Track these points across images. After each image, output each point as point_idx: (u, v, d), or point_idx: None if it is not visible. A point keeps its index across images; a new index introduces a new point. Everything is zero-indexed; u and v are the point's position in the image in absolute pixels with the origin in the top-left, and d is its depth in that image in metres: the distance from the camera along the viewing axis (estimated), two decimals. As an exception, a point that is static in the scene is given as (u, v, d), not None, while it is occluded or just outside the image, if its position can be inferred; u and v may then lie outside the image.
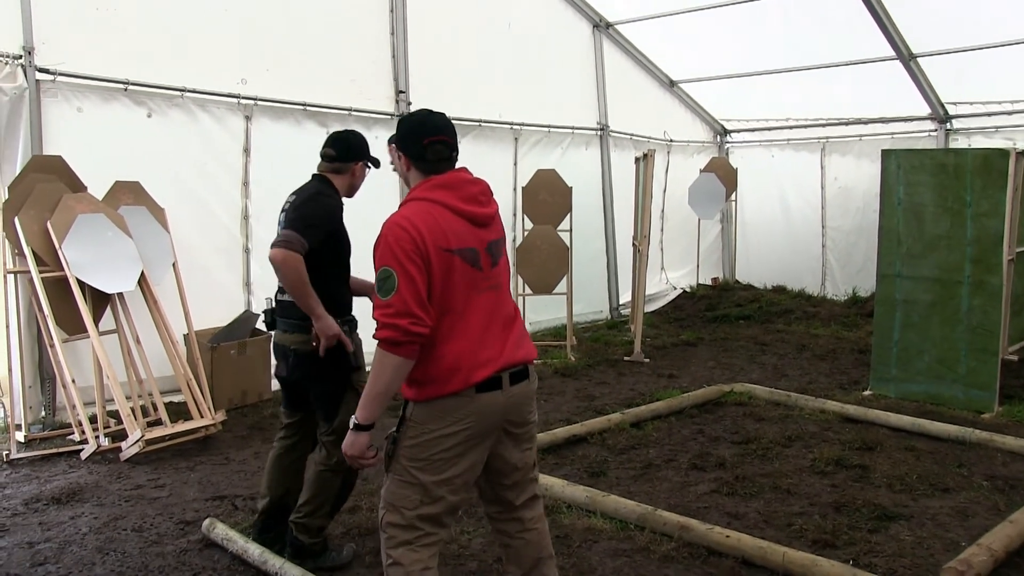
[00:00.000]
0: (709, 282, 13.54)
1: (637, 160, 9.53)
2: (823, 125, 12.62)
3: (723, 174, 12.26)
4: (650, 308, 11.97)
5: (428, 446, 3.06)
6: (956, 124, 11.47)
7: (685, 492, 5.39)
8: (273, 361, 4.49)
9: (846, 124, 12.39)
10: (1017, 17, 9.22)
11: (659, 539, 4.60)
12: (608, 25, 11.48)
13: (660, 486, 5.53)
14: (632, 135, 12.08)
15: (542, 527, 3.41)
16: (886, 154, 7.61)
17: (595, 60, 11.50)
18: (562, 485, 5.26)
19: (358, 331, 4.29)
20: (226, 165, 7.74)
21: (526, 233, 9.38)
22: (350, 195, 4.41)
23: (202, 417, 6.46)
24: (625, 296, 11.62)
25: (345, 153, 4.28)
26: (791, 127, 12.98)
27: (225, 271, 7.78)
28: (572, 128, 11.03)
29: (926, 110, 11.42)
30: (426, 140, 3.11)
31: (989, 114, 11.10)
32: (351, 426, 3.10)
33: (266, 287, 7.86)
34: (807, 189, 12.86)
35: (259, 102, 7.82)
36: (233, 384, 7.31)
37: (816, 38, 10.65)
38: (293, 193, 4.27)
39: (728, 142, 14.03)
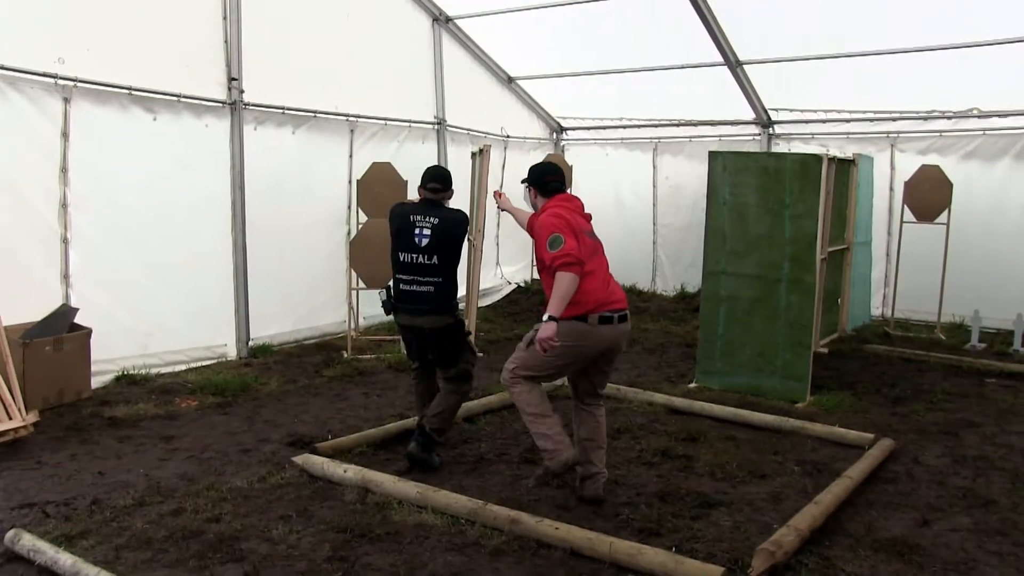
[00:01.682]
0: (544, 277, 13.68)
1: (473, 155, 9.51)
2: (655, 125, 13.01)
3: (558, 171, 12.40)
4: (484, 303, 12.02)
5: (558, 348, 4.76)
6: (778, 129, 12.07)
7: (517, 486, 5.42)
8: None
9: (677, 125, 12.81)
10: (831, 34, 9.80)
11: (490, 533, 4.61)
12: (448, 19, 11.44)
13: (492, 480, 5.55)
14: (469, 130, 12.07)
15: (602, 422, 5.29)
16: (713, 155, 7.88)
17: (434, 54, 11.43)
18: (393, 481, 5.19)
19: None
20: (42, 150, 7.20)
21: (360, 226, 9.22)
22: None
23: (10, 419, 6.00)
24: (460, 290, 11.60)
25: (448, 184, 5.97)
26: (625, 127, 13.32)
27: (41, 262, 7.23)
28: (409, 121, 10.92)
29: (751, 115, 11.95)
30: (547, 179, 5.25)
31: (807, 121, 11.73)
32: (544, 318, 4.74)
33: (86, 279, 7.46)
34: (640, 187, 13.23)
35: (79, 84, 7.33)
36: (48, 382, 6.84)
37: (650, 41, 10.94)
38: (433, 216, 5.76)
39: (564, 139, 14.26)
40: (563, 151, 14.06)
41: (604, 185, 13.47)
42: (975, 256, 10.40)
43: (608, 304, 4.97)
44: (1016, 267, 10.36)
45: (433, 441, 5.76)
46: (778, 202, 7.47)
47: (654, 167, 13.15)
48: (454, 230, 5.81)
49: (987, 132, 10.59)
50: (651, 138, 13.17)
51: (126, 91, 7.73)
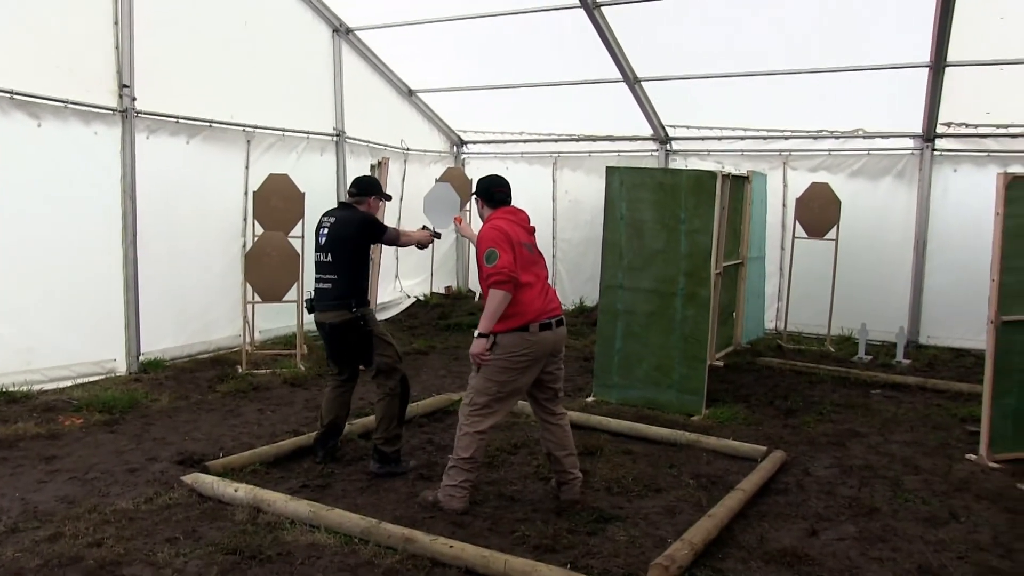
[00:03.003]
0: (443, 291, 13.66)
1: (372, 167, 9.42)
2: (555, 140, 13.09)
3: (458, 184, 12.30)
4: (383, 316, 11.90)
5: (506, 361, 5.12)
6: (676, 146, 12.30)
7: (411, 503, 5.35)
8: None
9: (577, 140, 12.92)
10: (726, 54, 10.06)
11: (384, 552, 4.54)
12: (348, 30, 11.32)
13: (387, 497, 5.47)
14: (369, 142, 11.95)
15: (568, 430, 5.51)
16: (610, 171, 7.96)
17: (333, 65, 11.30)
18: (285, 500, 5.06)
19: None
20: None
21: (255, 239, 9.03)
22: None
23: None
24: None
25: (363, 191, 6.32)
26: (525, 141, 13.37)
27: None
28: (308, 133, 10.75)
29: (649, 131, 12.16)
30: (494, 190, 5.52)
31: (703, 138, 11.99)
32: (475, 335, 5.12)
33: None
34: (540, 201, 13.21)
35: (-49, 84, 7.02)
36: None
37: (550, 57, 11.03)
38: (333, 217, 6.13)
39: (465, 153, 14.25)
40: (463, 164, 14.05)
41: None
42: (861, 270, 10.80)
43: (546, 312, 5.24)
44: (898, 281, 10.81)
45: (386, 455, 5.95)
46: (674, 217, 7.58)
47: (554, 181, 13.25)
48: (345, 229, 6.08)
49: (871, 152, 11.02)
50: (551, 152, 13.25)
51: (7, 95, 7.41)
